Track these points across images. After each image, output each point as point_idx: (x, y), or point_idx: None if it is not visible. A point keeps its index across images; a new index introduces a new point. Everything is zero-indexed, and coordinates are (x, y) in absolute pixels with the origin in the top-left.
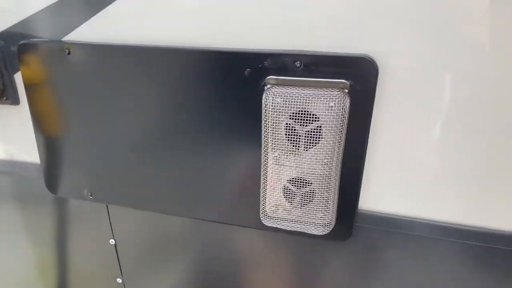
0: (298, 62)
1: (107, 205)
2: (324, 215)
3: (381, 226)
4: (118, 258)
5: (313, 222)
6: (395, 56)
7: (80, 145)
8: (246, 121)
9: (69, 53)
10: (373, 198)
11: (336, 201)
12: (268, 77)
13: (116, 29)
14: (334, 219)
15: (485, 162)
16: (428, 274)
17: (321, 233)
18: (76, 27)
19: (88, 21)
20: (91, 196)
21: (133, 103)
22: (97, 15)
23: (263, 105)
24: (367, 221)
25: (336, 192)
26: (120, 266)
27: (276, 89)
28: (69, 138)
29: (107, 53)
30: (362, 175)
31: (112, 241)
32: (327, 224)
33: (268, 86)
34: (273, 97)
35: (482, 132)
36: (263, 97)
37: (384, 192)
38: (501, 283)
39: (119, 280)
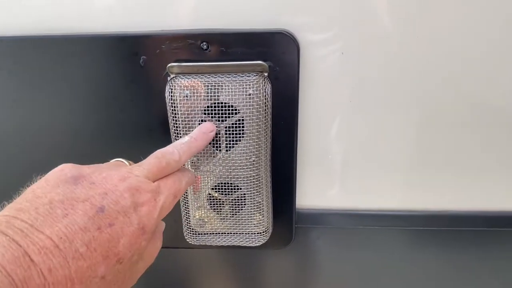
0: (205, 43)
1: None
2: (259, 222)
3: (322, 224)
4: None
5: (248, 232)
6: (317, 29)
7: None
8: (153, 123)
9: None
10: (311, 194)
11: (271, 204)
12: (169, 65)
13: None
14: (271, 225)
15: (417, 149)
16: (375, 264)
17: (258, 243)
18: None
19: None
20: None
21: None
22: None
23: (168, 101)
24: (308, 221)
25: (270, 194)
26: None
27: (181, 79)
28: None
29: None
30: (296, 171)
31: None
32: (263, 232)
33: (172, 76)
34: (179, 90)
35: (417, 117)
36: (166, 90)
37: (322, 186)
38: (441, 261)
39: None
